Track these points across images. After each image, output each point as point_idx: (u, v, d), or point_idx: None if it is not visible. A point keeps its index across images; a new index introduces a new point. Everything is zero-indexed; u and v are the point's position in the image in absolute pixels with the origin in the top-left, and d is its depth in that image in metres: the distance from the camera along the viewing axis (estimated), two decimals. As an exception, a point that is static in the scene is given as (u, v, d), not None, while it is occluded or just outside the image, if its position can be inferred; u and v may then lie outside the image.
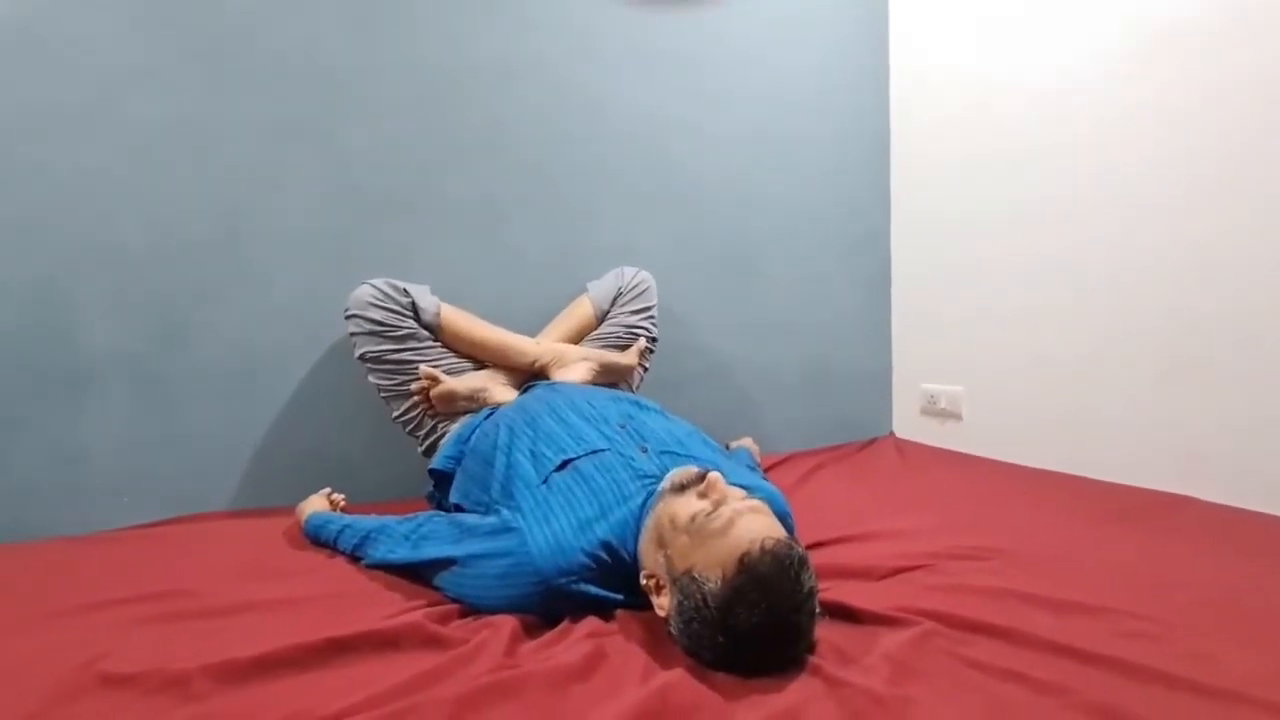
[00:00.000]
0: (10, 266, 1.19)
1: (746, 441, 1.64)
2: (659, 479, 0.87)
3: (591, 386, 1.23)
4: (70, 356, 1.23)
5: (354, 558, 1.02)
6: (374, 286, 1.21)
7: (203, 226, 1.31)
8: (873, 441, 1.88)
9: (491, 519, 0.89)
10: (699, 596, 0.68)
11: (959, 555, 0.98)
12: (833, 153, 1.90)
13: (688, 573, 0.71)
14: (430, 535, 0.94)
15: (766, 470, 1.57)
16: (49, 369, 1.21)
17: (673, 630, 0.72)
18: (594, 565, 0.81)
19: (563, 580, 0.79)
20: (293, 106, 1.37)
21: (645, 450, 0.96)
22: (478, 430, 1.15)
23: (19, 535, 1.15)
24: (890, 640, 0.73)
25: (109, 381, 1.25)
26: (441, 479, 1.14)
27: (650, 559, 0.78)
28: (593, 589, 0.81)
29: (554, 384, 1.24)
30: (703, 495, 0.76)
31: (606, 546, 0.81)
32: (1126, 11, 1.38)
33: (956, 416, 1.81)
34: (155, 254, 1.28)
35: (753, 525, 0.71)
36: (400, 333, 1.21)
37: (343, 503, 1.24)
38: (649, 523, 0.80)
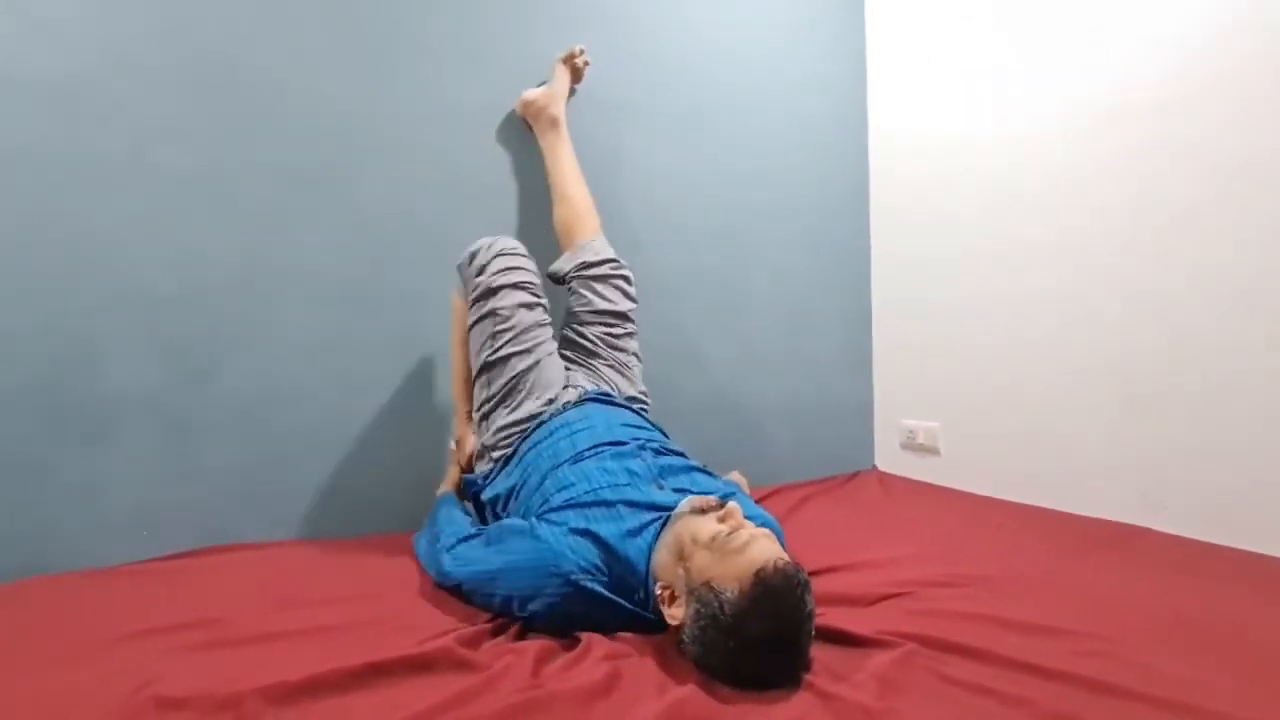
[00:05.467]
0: (43, 310, 1.25)
1: (735, 475, 1.72)
2: (673, 509, 0.96)
3: (636, 426, 1.29)
4: (95, 396, 1.28)
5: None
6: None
7: (224, 271, 1.38)
8: (856, 475, 1.97)
9: (515, 523, 1.03)
10: (716, 605, 0.77)
11: (938, 583, 1.07)
12: (816, 198, 2.03)
13: (706, 584, 0.80)
14: (473, 556, 1.06)
15: (757, 502, 1.65)
16: (75, 409, 1.26)
17: (684, 638, 0.81)
18: (605, 569, 0.91)
19: (578, 574, 0.89)
20: (310, 155, 1.45)
21: (662, 487, 1.06)
22: (528, 446, 1.23)
23: (44, 569, 1.19)
24: (877, 660, 0.81)
25: (132, 420, 1.30)
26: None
27: (668, 571, 0.87)
28: (606, 591, 0.90)
29: (609, 413, 1.27)
30: (721, 520, 0.86)
31: (622, 562, 0.91)
32: (1083, 86, 1.54)
33: (934, 451, 1.91)
34: (178, 297, 1.34)
35: (767, 547, 0.81)
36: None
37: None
38: (668, 539, 0.90)
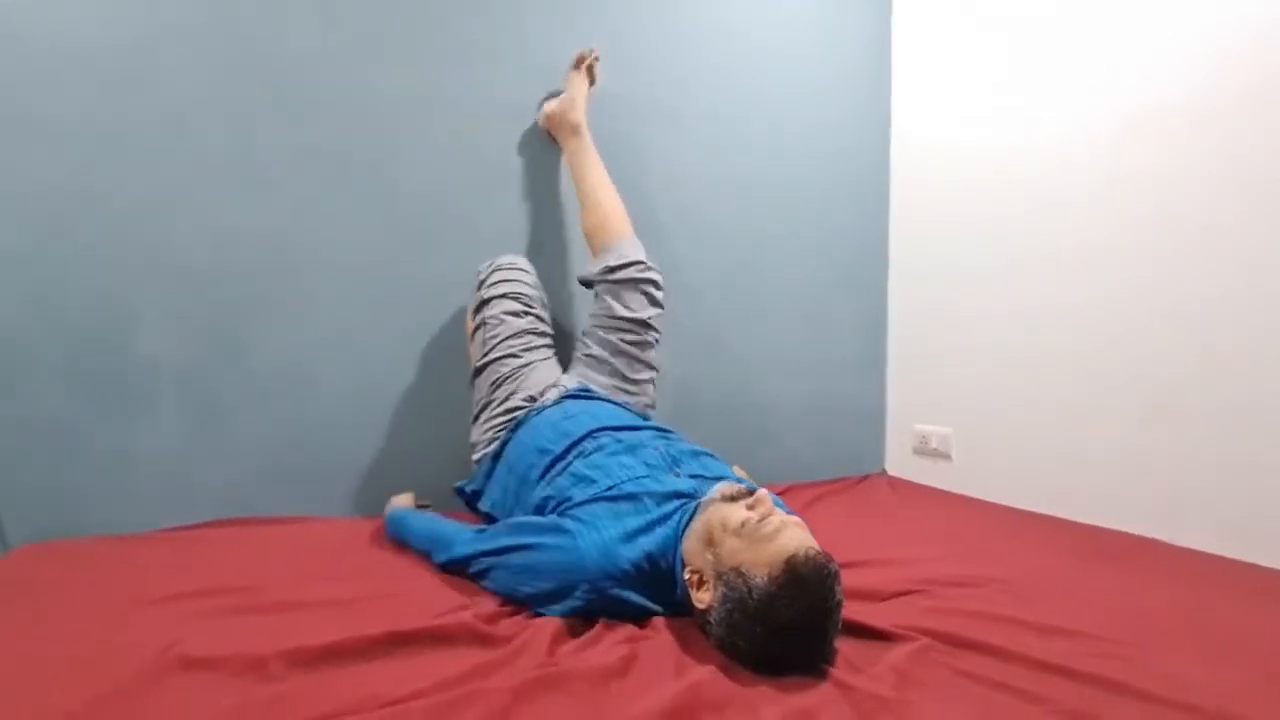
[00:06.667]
0: (80, 279, 1.28)
1: (737, 470, 1.72)
2: (693, 497, 0.97)
3: (626, 415, 1.29)
4: (129, 367, 1.30)
5: (425, 554, 1.13)
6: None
7: (259, 250, 1.40)
8: (866, 477, 1.97)
9: (542, 519, 0.99)
10: (744, 589, 0.78)
11: (952, 583, 1.07)
12: (836, 201, 2.02)
13: (736, 569, 0.80)
14: (489, 534, 1.05)
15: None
16: (106, 377, 1.29)
17: (711, 620, 0.81)
18: (635, 573, 0.89)
19: (606, 582, 0.88)
20: (349, 141, 1.47)
21: (678, 474, 1.06)
22: (511, 444, 1.24)
23: (73, 532, 1.21)
24: (893, 653, 0.81)
25: (164, 391, 1.33)
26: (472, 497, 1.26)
27: (696, 556, 0.87)
28: (633, 596, 0.89)
29: (591, 405, 1.29)
30: (751, 507, 0.86)
31: (649, 558, 0.90)
32: (1110, 92, 1.53)
33: (946, 457, 1.91)
34: (214, 273, 1.37)
35: (798, 535, 0.82)
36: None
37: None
38: (697, 525, 0.89)
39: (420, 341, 1.53)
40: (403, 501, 1.34)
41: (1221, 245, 1.34)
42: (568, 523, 0.94)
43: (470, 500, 1.29)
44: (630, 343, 1.40)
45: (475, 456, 1.33)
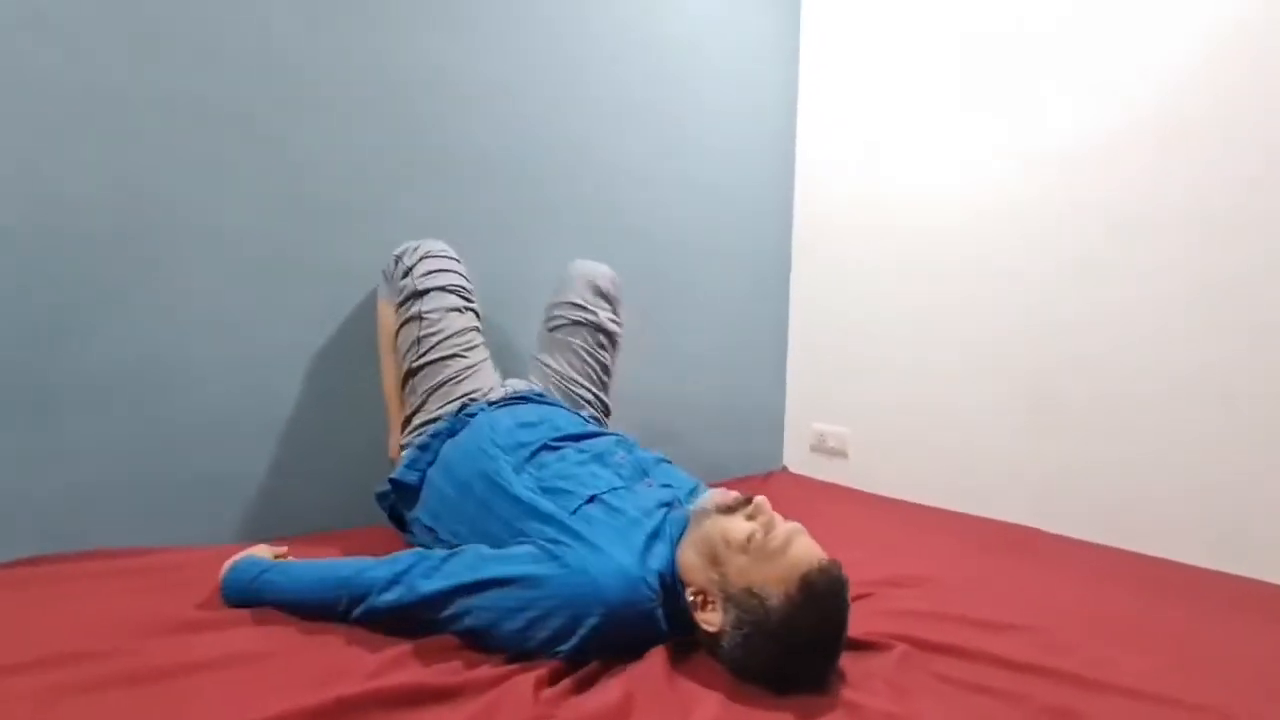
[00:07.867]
0: None
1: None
2: (671, 506, 0.92)
3: (582, 422, 1.21)
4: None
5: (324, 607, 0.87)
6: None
7: (107, 215, 1.11)
8: (771, 475, 2.03)
9: (526, 547, 0.85)
10: (761, 611, 0.74)
11: (891, 583, 1.12)
12: (743, 209, 2.06)
13: (748, 589, 0.76)
14: (438, 571, 0.84)
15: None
16: None
17: (724, 644, 0.77)
18: (654, 597, 0.81)
19: (627, 611, 0.78)
20: (242, 95, 1.22)
21: (650, 484, 1.00)
22: (452, 445, 1.11)
23: None
24: (877, 663, 0.82)
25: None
26: (404, 490, 1.10)
27: (699, 575, 0.81)
28: (660, 616, 0.81)
29: (546, 411, 1.19)
30: (750, 517, 0.81)
31: (660, 577, 0.83)
32: (1006, 125, 1.68)
33: (843, 454, 2.02)
34: (41, 240, 1.06)
35: (807, 546, 0.78)
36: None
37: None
38: (694, 539, 0.84)
39: (316, 335, 1.32)
40: (258, 552, 1.00)
41: (1087, 268, 1.53)
42: (558, 550, 0.82)
43: (395, 507, 1.12)
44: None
45: (403, 442, 1.18)
